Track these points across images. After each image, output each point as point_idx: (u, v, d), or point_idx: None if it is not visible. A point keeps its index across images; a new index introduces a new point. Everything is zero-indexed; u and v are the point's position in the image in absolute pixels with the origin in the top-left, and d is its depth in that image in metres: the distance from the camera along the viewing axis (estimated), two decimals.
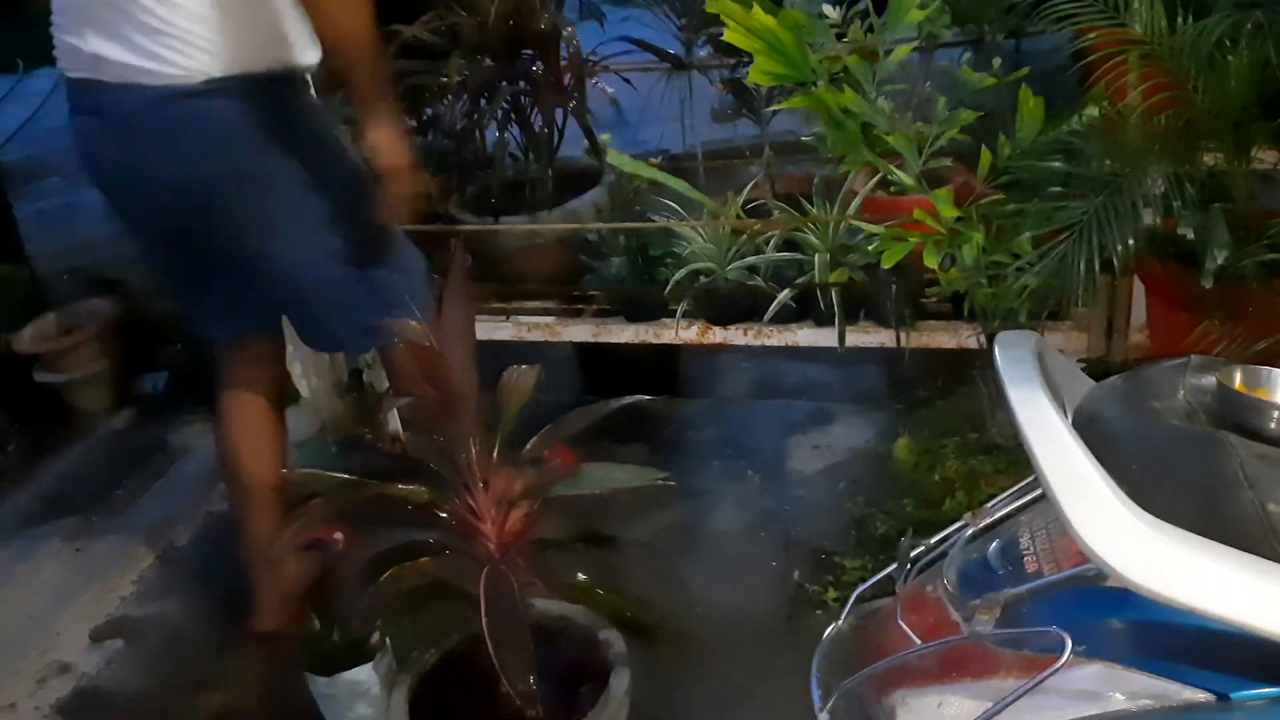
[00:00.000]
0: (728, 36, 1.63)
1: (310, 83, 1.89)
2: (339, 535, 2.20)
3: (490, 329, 2.62)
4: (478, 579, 1.48)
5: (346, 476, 1.57)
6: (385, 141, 1.74)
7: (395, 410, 2.43)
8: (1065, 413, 1.12)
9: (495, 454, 1.64)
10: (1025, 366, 1.07)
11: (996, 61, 1.97)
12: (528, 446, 1.71)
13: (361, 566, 1.55)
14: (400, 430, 2.47)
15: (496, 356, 2.17)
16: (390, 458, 2.14)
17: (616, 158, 2.06)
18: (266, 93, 1.73)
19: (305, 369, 2.61)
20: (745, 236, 2.48)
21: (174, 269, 1.98)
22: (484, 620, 1.43)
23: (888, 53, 1.86)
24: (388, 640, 1.76)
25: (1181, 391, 1.04)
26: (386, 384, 2.67)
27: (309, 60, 1.80)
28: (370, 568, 1.52)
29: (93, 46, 1.68)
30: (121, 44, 1.66)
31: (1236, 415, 0.96)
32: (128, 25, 1.64)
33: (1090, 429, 1.02)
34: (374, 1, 1.70)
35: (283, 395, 2.14)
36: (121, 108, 1.70)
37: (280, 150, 1.75)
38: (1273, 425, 0.94)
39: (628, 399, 1.94)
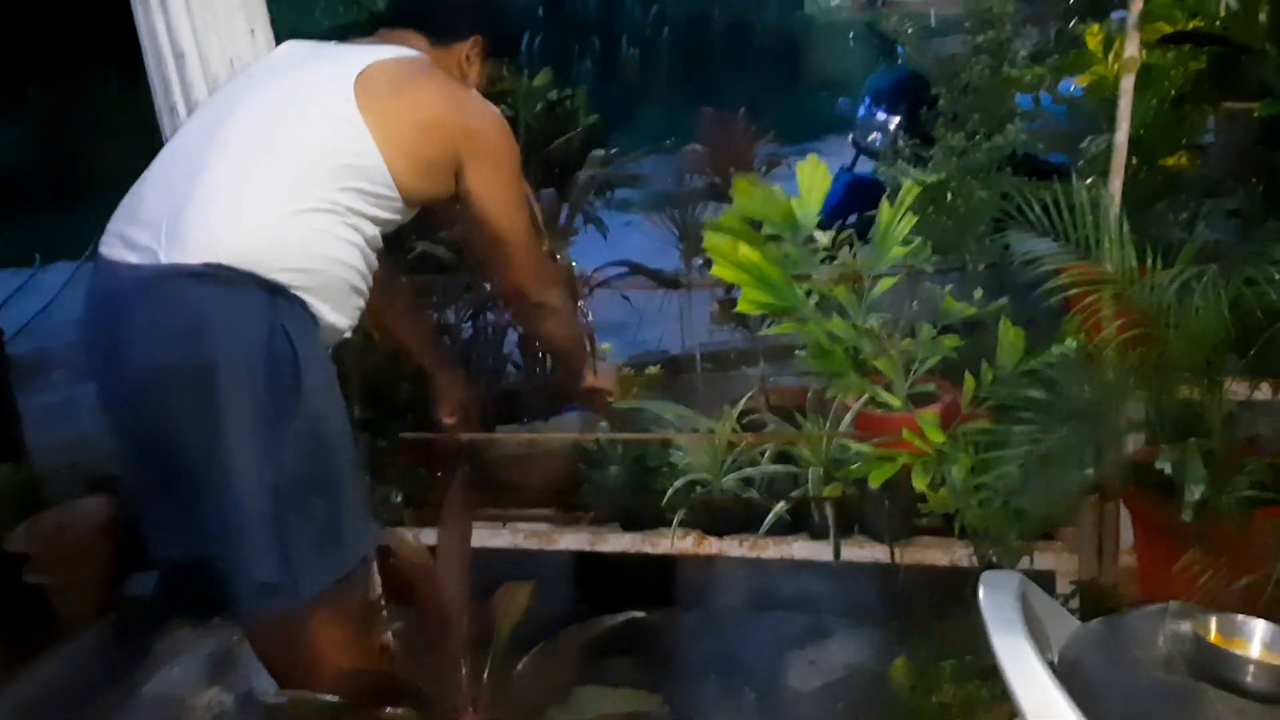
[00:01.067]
0: (716, 271, 1.72)
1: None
2: None
3: (486, 536, 2.63)
4: None
5: (335, 700, 1.56)
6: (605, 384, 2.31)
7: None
8: (1050, 652, 1.14)
9: (486, 675, 1.64)
10: (1009, 611, 1.10)
11: (978, 292, 2.06)
12: (519, 668, 1.70)
13: None
14: (391, 641, 2.45)
15: (492, 564, 2.18)
16: (378, 676, 2.11)
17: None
18: (267, 302, 1.67)
19: None
20: (740, 448, 2.53)
21: (142, 477, 1.83)
22: None
23: (874, 281, 1.96)
24: None
25: (1161, 639, 1.06)
26: (379, 593, 2.67)
27: (334, 315, 1.78)
28: None
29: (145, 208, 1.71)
30: (166, 214, 1.66)
31: (1213, 668, 0.98)
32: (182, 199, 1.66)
33: (1073, 676, 1.03)
34: None
35: None
36: (131, 285, 1.67)
37: (251, 358, 1.65)
38: (1249, 680, 0.95)
39: (622, 616, 1.94)
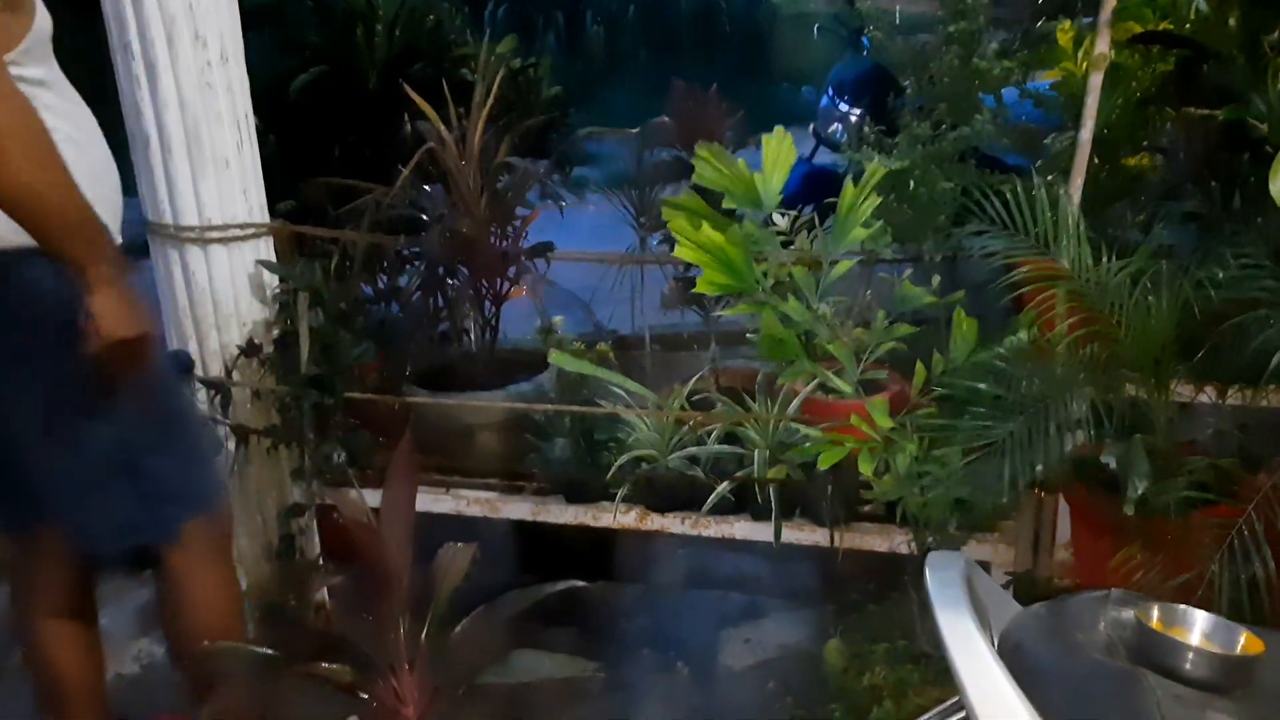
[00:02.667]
0: (679, 252, 1.71)
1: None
2: None
3: (430, 501, 2.61)
4: None
5: (269, 652, 1.54)
6: (104, 308, 1.58)
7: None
8: (991, 634, 1.15)
9: (424, 635, 1.63)
10: (954, 590, 1.10)
11: (936, 280, 2.07)
12: (458, 629, 1.69)
13: None
14: (326, 599, 2.42)
15: (434, 528, 2.16)
16: (316, 631, 2.09)
17: (559, 357, 2.11)
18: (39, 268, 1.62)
19: (235, 529, 2.58)
20: (688, 427, 2.53)
21: None
22: None
23: (832, 264, 1.96)
24: None
25: (1103, 624, 1.07)
26: (318, 551, 2.65)
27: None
28: None
29: None
30: None
31: (1154, 654, 0.99)
32: None
33: (1015, 657, 1.04)
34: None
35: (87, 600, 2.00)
36: None
37: (40, 329, 1.66)
38: (1188, 667, 0.97)
39: (562, 584, 1.95)
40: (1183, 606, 1.06)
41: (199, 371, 2.48)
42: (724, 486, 2.44)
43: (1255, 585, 1.50)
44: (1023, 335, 1.84)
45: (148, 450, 1.76)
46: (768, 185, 1.85)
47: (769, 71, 9.14)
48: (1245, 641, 1.02)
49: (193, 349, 2.48)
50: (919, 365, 1.87)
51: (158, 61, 2.26)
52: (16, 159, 1.44)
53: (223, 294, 2.46)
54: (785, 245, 2.11)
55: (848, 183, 1.83)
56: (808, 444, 1.99)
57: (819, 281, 1.92)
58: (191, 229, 2.38)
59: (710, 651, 2.53)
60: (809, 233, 2.17)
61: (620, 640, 2.61)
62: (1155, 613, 1.05)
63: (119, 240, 1.77)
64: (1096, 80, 1.81)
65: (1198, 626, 1.04)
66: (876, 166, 1.84)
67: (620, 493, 2.50)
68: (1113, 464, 1.61)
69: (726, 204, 1.89)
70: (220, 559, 1.91)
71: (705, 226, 1.74)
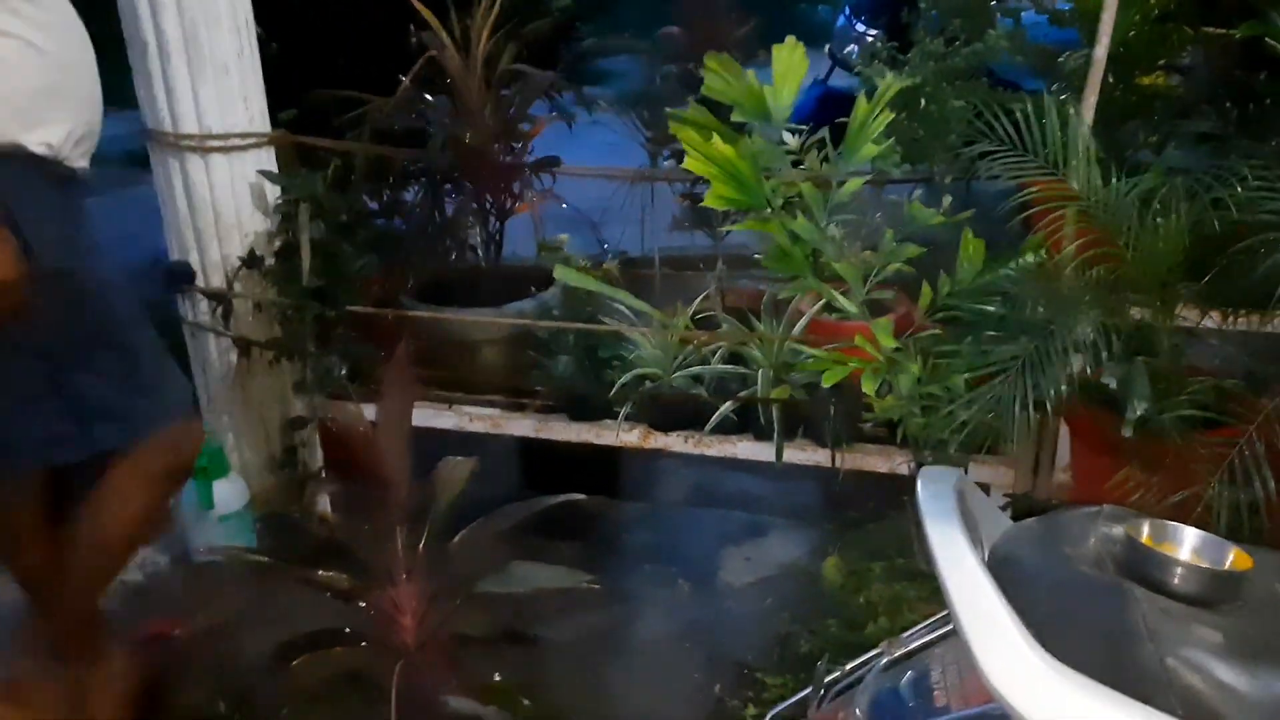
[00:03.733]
0: (688, 164, 1.68)
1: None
2: (178, 631, 2.05)
3: (432, 416, 2.62)
4: (393, 672, 1.46)
5: (266, 559, 1.55)
6: None
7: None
8: (982, 550, 1.15)
9: (422, 545, 1.64)
10: (945, 503, 1.10)
11: (947, 200, 2.04)
12: (456, 539, 1.70)
13: (272, 651, 1.52)
14: (329, 511, 2.45)
15: (437, 445, 2.17)
16: (316, 540, 2.11)
17: (562, 271, 2.09)
18: None
19: (238, 441, 2.59)
20: (692, 346, 2.52)
21: None
22: (394, 714, 1.41)
23: (840, 184, 1.93)
24: None
25: (1093, 539, 1.07)
26: (320, 462, 2.66)
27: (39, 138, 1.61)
28: (281, 653, 1.49)
29: None
30: None
31: (1142, 568, 0.99)
32: None
33: (1003, 569, 1.04)
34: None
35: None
36: None
37: None
38: (1176, 581, 0.96)
39: (562, 497, 1.95)
40: (1173, 523, 1.05)
41: (200, 282, 2.48)
42: (727, 406, 2.44)
43: (1255, 507, 1.50)
44: (1030, 257, 1.82)
45: (73, 367, 1.69)
46: (778, 98, 1.80)
47: None
48: (1234, 558, 1.02)
49: (194, 260, 2.47)
50: (925, 286, 1.85)
51: None
52: None
53: (224, 204, 2.45)
54: (795, 165, 2.08)
55: (860, 98, 1.79)
56: (811, 362, 1.99)
57: (828, 200, 1.89)
58: (191, 137, 2.36)
59: (710, 568, 2.55)
60: (819, 151, 2.14)
61: (622, 555, 2.63)
62: (1146, 528, 1.04)
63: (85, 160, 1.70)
64: None
65: (1188, 543, 1.04)
66: (891, 81, 1.79)
67: (623, 411, 2.51)
68: (1114, 385, 1.60)
69: (735, 117, 1.85)
70: (142, 489, 1.79)
71: (715, 138, 1.70)
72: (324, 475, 2.60)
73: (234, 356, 2.53)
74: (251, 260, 2.48)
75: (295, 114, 2.73)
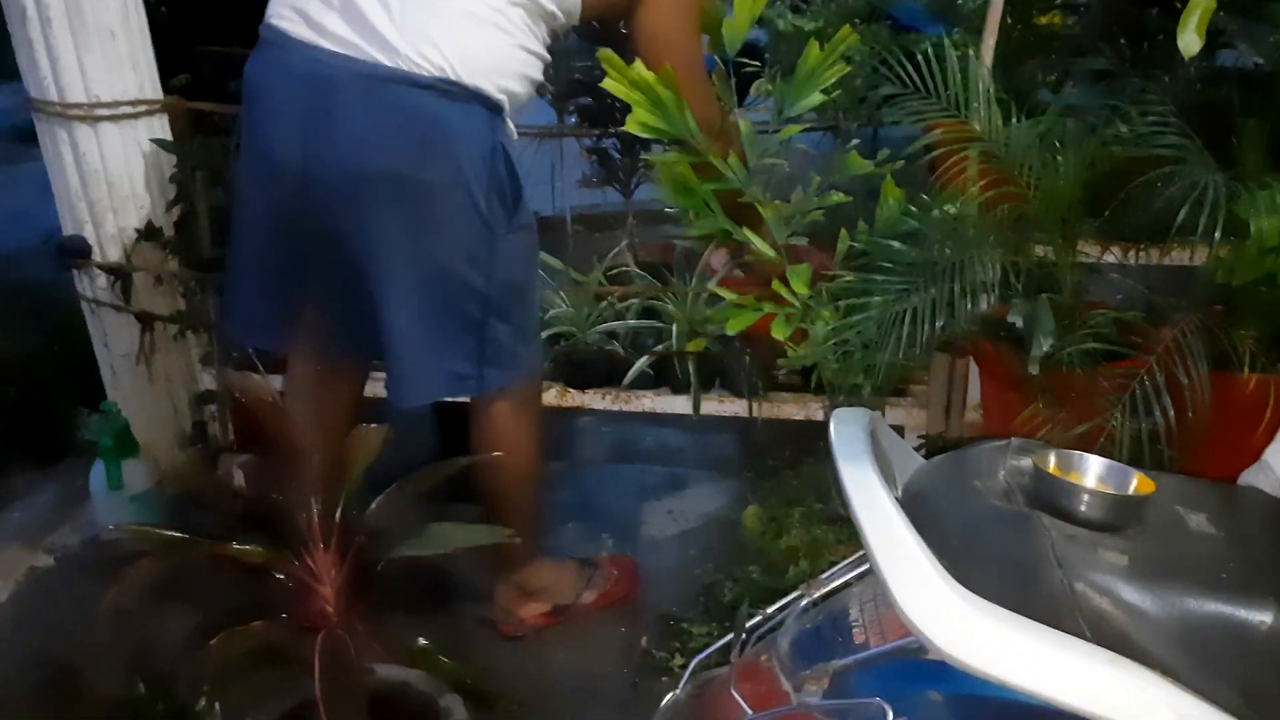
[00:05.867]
0: (607, 84, 1.63)
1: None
2: None
3: None
4: (315, 644, 1.44)
5: (178, 534, 1.51)
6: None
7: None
8: (895, 488, 1.17)
9: (339, 514, 1.61)
10: (857, 443, 1.11)
11: (883, 153, 2.05)
12: (373, 505, 1.67)
13: (191, 630, 1.49)
14: (243, 485, 2.39)
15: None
16: (230, 515, 2.06)
17: None
18: (489, 120, 1.73)
19: (145, 418, 2.52)
20: (606, 302, 2.51)
21: (268, 263, 1.89)
22: (318, 686, 1.39)
23: (776, 131, 1.91)
24: (217, 706, 1.69)
25: (1002, 472, 1.09)
26: (232, 437, 2.60)
27: (518, 100, 1.80)
28: (199, 632, 1.46)
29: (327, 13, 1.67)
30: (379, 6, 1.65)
31: (1049, 497, 1.01)
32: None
33: (916, 505, 1.06)
34: None
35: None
36: (340, 78, 1.67)
37: (482, 176, 1.73)
38: (1082, 508, 0.99)
39: (477, 457, 1.94)
40: (1079, 453, 1.08)
41: (97, 257, 2.39)
42: (643, 361, 2.44)
43: (1156, 435, 1.54)
44: (948, 207, 1.83)
45: (498, 314, 1.84)
46: (732, 31, 1.77)
47: None
48: (1137, 483, 1.04)
49: (89, 234, 2.39)
50: (843, 233, 1.86)
51: None
52: None
53: (117, 175, 2.36)
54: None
55: (813, 42, 1.77)
56: (724, 309, 1.98)
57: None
58: (79, 106, 2.27)
59: (633, 523, 2.56)
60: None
61: (544, 515, 2.62)
62: (1052, 459, 1.06)
63: None
64: None
65: (1092, 471, 1.06)
66: (848, 30, 1.77)
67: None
68: (1019, 323, 1.63)
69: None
70: (531, 416, 2.04)
71: (638, 63, 1.67)
72: (235, 449, 2.54)
73: (136, 332, 2.46)
74: (150, 232, 2.40)
75: (189, 79, 2.64)
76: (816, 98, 1.77)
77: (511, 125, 1.82)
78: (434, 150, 1.69)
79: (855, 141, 2.16)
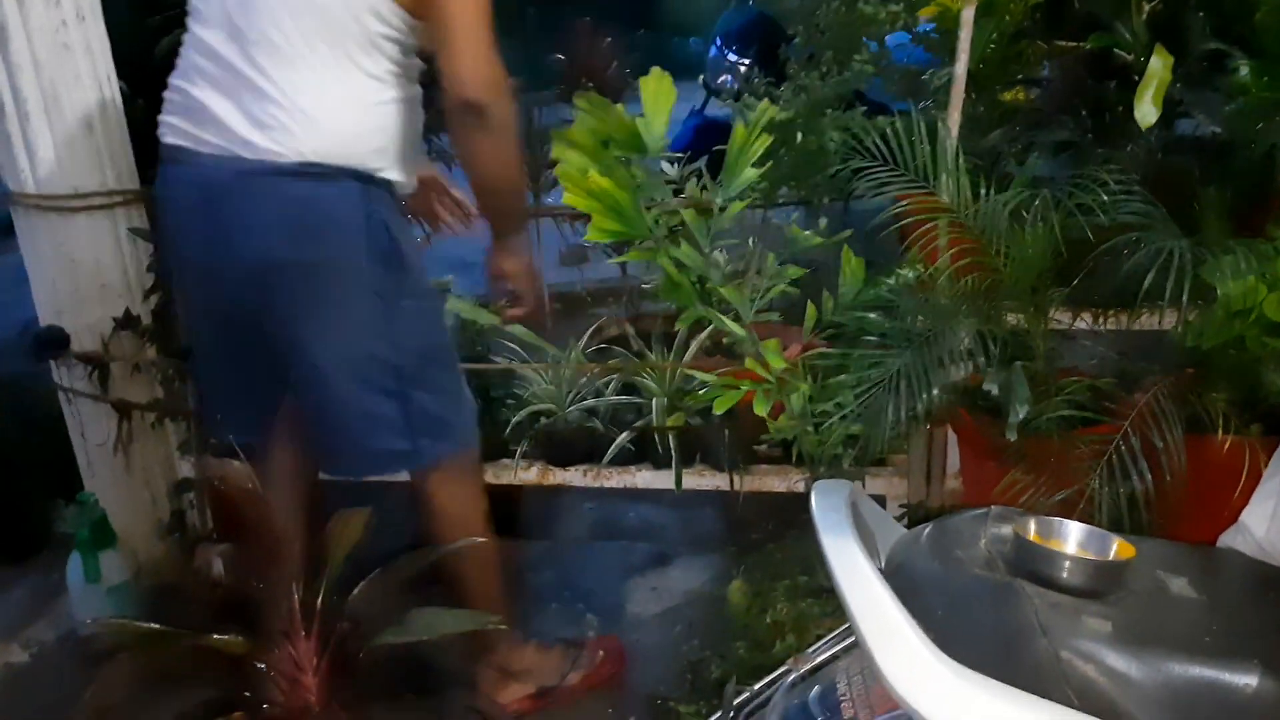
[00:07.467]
0: (567, 200, 1.67)
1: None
2: None
3: None
4: None
5: (157, 627, 1.49)
6: (515, 269, 1.91)
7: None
8: (878, 559, 1.17)
9: (320, 601, 1.59)
10: (838, 516, 1.11)
11: (823, 222, 2.09)
12: (356, 592, 1.66)
13: None
14: (223, 575, 2.36)
15: (334, 495, 2.11)
16: (210, 605, 2.04)
17: (455, 303, 2.08)
18: (361, 191, 1.75)
19: (123, 508, 2.50)
20: (586, 379, 2.52)
21: (220, 359, 1.95)
22: None
23: (723, 209, 1.95)
24: None
25: (983, 540, 1.09)
26: (210, 524, 2.58)
27: (405, 178, 1.84)
28: None
29: (209, 110, 1.72)
30: (236, 112, 1.70)
31: (1031, 565, 1.01)
32: (247, 94, 1.69)
33: (899, 576, 1.06)
34: None
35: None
36: (218, 178, 1.72)
37: (360, 249, 1.76)
38: (1064, 575, 0.99)
39: (461, 542, 1.93)
40: (1059, 519, 1.08)
41: (74, 346, 2.39)
42: (623, 436, 2.44)
43: (1134, 499, 1.55)
44: (908, 271, 1.86)
45: (415, 382, 1.85)
46: (650, 128, 1.82)
47: (657, 22, 9.09)
48: (1118, 548, 1.05)
49: (66, 323, 2.38)
50: (810, 305, 1.88)
51: (7, 22, 2.16)
52: None
53: (94, 265, 2.37)
54: (676, 194, 2.10)
55: (738, 123, 1.82)
56: (703, 390, 2.00)
57: (710, 227, 1.91)
58: (56, 198, 2.28)
59: (617, 601, 2.54)
60: (698, 180, 2.16)
61: (528, 596, 2.60)
62: (1033, 526, 1.07)
63: None
64: (968, 14, 1.83)
65: (1073, 537, 1.07)
66: (766, 106, 1.82)
67: (520, 449, 2.49)
68: (995, 391, 1.65)
69: (613, 150, 1.86)
70: (473, 485, 2.03)
71: (592, 172, 1.70)
72: (215, 537, 2.52)
73: (114, 421, 2.44)
74: (127, 321, 2.40)
75: None
76: (751, 173, 1.82)
77: (405, 177, 1.84)
78: (312, 232, 1.73)
79: (796, 215, 2.21)
